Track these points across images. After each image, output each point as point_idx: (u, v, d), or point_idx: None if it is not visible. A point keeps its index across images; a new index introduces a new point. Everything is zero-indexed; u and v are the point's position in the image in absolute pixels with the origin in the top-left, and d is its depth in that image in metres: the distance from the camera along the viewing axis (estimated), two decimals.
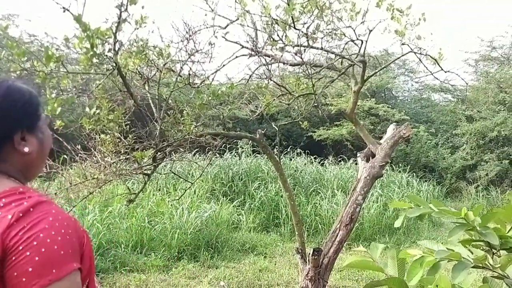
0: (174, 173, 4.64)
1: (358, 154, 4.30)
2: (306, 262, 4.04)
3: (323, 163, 12.55)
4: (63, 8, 2.59)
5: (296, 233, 4.09)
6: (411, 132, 3.94)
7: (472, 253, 1.90)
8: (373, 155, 4.20)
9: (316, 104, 4.68)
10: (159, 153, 3.15)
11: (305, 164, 11.97)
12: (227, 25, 4.02)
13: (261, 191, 9.41)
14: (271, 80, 3.60)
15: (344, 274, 6.30)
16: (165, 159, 3.24)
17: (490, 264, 1.83)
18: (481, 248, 1.93)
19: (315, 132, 16.00)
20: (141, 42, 3.23)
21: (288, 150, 12.80)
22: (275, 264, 6.79)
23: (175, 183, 9.48)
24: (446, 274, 1.87)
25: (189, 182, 3.99)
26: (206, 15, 3.95)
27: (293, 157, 12.22)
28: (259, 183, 9.77)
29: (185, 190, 5.05)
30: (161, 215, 7.63)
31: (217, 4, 3.94)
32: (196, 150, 11.86)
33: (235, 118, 15.77)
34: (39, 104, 1.34)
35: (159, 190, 9.30)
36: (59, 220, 1.16)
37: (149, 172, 3.19)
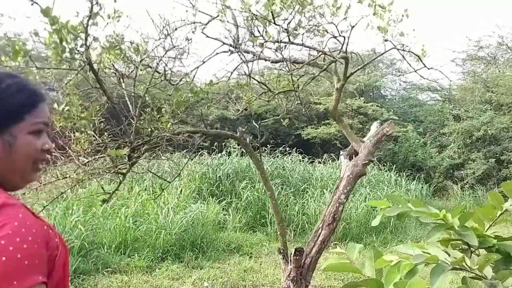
0: (151, 172, 4.54)
1: (341, 152, 4.24)
2: (288, 262, 3.98)
3: (313, 161, 12.51)
4: (31, 1, 2.50)
5: (278, 232, 4.02)
6: (394, 129, 3.89)
7: (449, 254, 1.85)
8: (356, 153, 4.14)
9: (299, 102, 4.61)
10: (135, 151, 3.06)
11: (293, 163, 11.91)
12: (209, 21, 3.94)
13: (248, 191, 9.34)
14: (250, 76, 3.53)
15: (330, 274, 6.25)
16: (141, 158, 3.15)
17: (468, 265, 1.79)
18: (460, 247, 1.89)
19: (303, 130, 15.96)
20: (117, 37, 3.15)
21: (276, 149, 12.72)
22: (261, 264, 6.72)
23: (162, 183, 9.36)
24: (424, 277, 1.82)
25: (167, 181, 3.89)
26: (187, 11, 3.88)
27: (280, 156, 12.13)
28: (246, 183, 9.69)
29: (163, 189, 4.93)
30: (146, 216, 7.53)
31: (197, 0, 3.88)
32: (186, 150, 11.82)
33: (223, 118, 15.71)
34: (23, 105, 1.18)
35: (145, 190, 9.21)
36: (26, 226, 1.06)
37: (124, 171, 3.10)
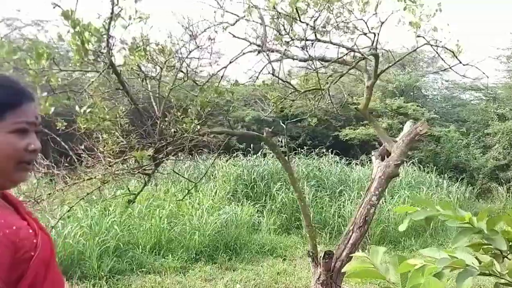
0: (176, 172, 4.55)
1: (373, 153, 4.11)
2: (318, 265, 3.89)
3: (350, 163, 12.28)
4: (54, 4, 2.53)
5: (308, 235, 3.94)
6: (427, 128, 3.73)
7: (477, 259, 1.74)
8: (389, 154, 4.01)
9: (331, 101, 4.52)
10: (160, 152, 3.06)
11: (330, 165, 11.73)
12: (236, 21, 3.91)
13: (282, 193, 9.25)
14: (273, 75, 3.46)
15: (366, 278, 6.09)
16: (165, 159, 3.15)
17: (497, 271, 1.67)
18: (492, 251, 1.77)
19: (341, 131, 15.73)
20: (142, 39, 3.16)
21: (313, 150, 12.56)
22: (294, 267, 6.64)
23: (197, 184, 9.41)
24: (451, 283, 1.72)
25: (193, 182, 3.88)
26: (215, 12, 3.86)
27: (316, 158, 11.96)
28: (281, 184, 9.60)
29: (188, 191, 4.95)
30: (181, 217, 7.58)
31: (225, 1, 3.85)
32: (222, 151, 11.87)
33: (260, 119, 15.67)
34: (3, 104, 1.16)
35: (181, 191, 9.27)
36: None
37: (149, 172, 3.11)
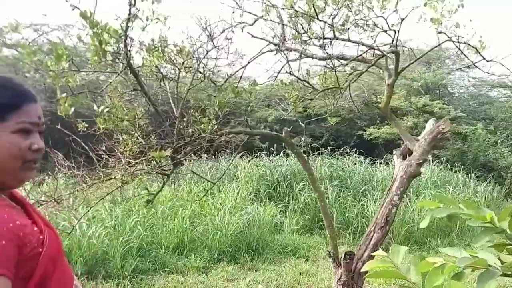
0: (194, 172, 4.55)
1: (394, 152, 4.04)
2: (339, 266, 3.85)
3: (374, 163, 12.13)
4: (73, 6, 2.57)
5: (328, 235, 3.90)
6: (450, 126, 3.65)
7: (499, 259, 1.68)
8: (411, 153, 3.94)
9: (351, 100, 4.46)
10: (178, 153, 3.07)
11: (354, 165, 11.61)
12: (255, 20, 3.90)
13: (305, 193, 9.20)
14: (291, 74, 3.44)
15: (389, 279, 6.00)
16: (185, 159, 3.16)
17: None
18: None
19: (365, 131, 15.55)
20: (160, 40, 3.18)
21: (337, 150, 12.45)
22: (317, 268, 6.59)
23: (220, 185, 9.45)
24: (472, 283, 1.67)
25: (212, 182, 3.88)
26: (233, 12, 3.86)
27: (340, 157, 11.85)
28: (304, 184, 9.54)
29: (207, 191, 4.94)
30: (203, 217, 7.61)
31: (243, 1, 3.85)
32: (245, 151, 11.89)
33: (282, 119, 15.63)
34: (5, 105, 1.19)
35: (204, 191, 9.31)
36: None
37: (168, 172, 3.12)
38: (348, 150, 12.45)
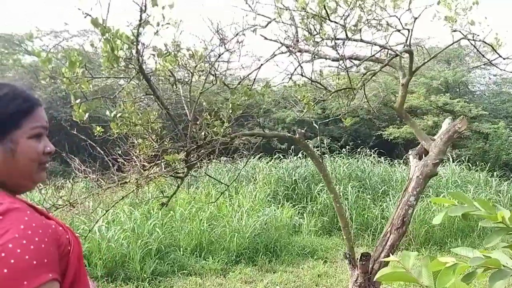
0: (208, 175, 4.58)
1: (410, 152, 4.00)
2: (355, 267, 3.82)
3: (392, 163, 12.00)
4: (85, 13, 2.61)
5: (344, 237, 3.88)
6: (466, 125, 3.60)
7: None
8: (427, 153, 3.89)
9: (367, 100, 4.44)
10: (191, 156, 3.10)
11: (374, 165, 11.50)
12: (268, 23, 3.91)
13: (324, 194, 9.15)
14: (303, 76, 3.43)
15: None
16: (198, 161, 3.18)
17: None
18: None
19: (384, 131, 15.41)
20: (172, 44, 3.21)
21: (356, 150, 12.36)
22: (336, 269, 6.55)
23: (237, 187, 9.48)
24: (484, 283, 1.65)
25: (225, 184, 3.90)
26: (247, 15, 3.88)
27: (359, 158, 11.76)
28: (322, 186, 9.49)
29: (221, 193, 4.97)
30: (221, 219, 7.64)
31: (256, 4, 3.86)
32: (263, 153, 11.90)
33: (301, 120, 15.59)
34: (20, 112, 1.24)
35: (222, 194, 9.34)
36: (32, 228, 1.10)
37: (181, 175, 3.15)
38: (367, 151, 12.35)
